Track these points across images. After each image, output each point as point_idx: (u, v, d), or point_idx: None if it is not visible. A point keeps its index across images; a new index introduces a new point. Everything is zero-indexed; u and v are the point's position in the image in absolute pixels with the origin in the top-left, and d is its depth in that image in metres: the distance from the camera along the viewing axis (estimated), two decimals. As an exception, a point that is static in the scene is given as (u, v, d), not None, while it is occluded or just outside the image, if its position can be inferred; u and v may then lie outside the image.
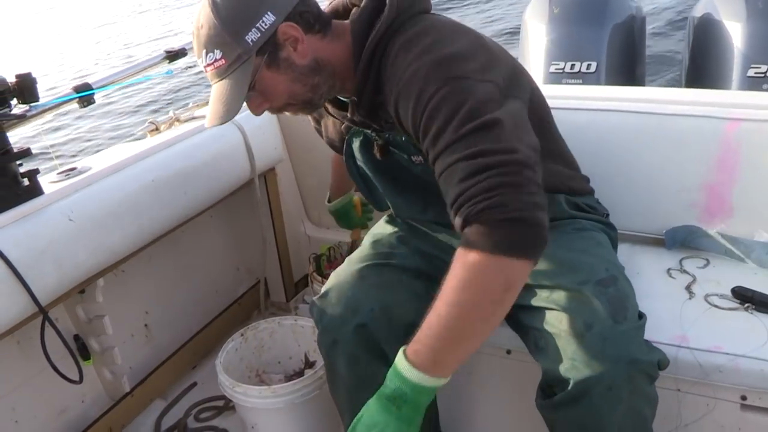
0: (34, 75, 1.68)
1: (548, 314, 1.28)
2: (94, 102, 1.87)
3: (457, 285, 1.07)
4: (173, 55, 2.08)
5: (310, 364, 1.97)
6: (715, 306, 1.53)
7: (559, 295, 1.28)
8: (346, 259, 1.59)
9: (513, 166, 1.06)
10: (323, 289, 1.53)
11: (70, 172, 1.86)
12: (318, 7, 1.33)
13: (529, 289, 1.32)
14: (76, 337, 1.97)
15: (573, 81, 2.94)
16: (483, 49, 1.26)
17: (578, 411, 1.22)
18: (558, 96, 1.87)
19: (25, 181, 1.72)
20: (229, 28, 1.24)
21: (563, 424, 1.28)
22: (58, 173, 1.87)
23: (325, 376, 1.71)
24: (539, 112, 1.42)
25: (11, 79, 1.64)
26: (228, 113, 1.29)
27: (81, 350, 1.97)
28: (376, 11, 1.31)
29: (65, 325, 1.95)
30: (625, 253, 1.77)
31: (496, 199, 1.03)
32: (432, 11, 1.36)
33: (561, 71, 2.97)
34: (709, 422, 1.45)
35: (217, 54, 1.26)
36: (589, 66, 2.94)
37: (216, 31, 1.25)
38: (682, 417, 1.45)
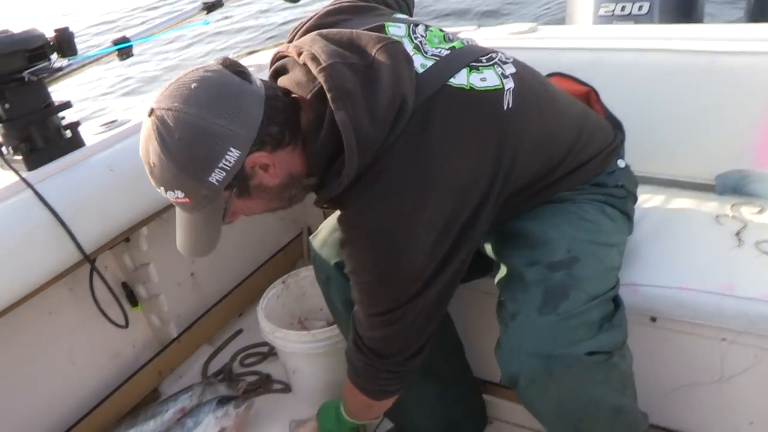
0: (71, 30, 1.69)
1: (493, 297, 1.29)
2: (132, 54, 1.88)
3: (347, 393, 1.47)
4: (210, 6, 2.06)
5: (351, 311, 1.99)
6: (766, 253, 1.46)
7: (505, 275, 1.28)
8: None
9: (394, 365, 1.30)
10: (318, 229, 1.61)
11: (111, 124, 1.89)
12: (285, 114, 1.14)
13: (495, 262, 1.34)
14: (124, 285, 2.03)
15: (624, 24, 2.81)
16: (436, 216, 1.15)
17: (519, 395, 1.24)
18: (600, 36, 1.79)
19: (67, 133, 1.76)
20: (188, 173, 1.08)
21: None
22: (99, 125, 1.90)
23: None
24: (518, 181, 1.26)
25: (50, 34, 1.66)
26: (206, 247, 1.24)
27: (129, 297, 2.03)
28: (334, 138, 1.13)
29: (113, 273, 2.01)
30: (672, 200, 1.71)
31: (367, 375, 1.35)
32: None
33: (611, 14, 2.83)
34: (755, 374, 1.39)
35: (179, 194, 1.11)
36: (641, 7, 2.79)
37: (172, 174, 1.08)
38: (725, 369, 1.40)
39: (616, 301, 1.25)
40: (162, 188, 1.12)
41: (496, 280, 1.30)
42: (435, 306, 1.21)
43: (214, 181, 1.09)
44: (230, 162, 1.08)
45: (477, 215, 1.16)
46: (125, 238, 1.89)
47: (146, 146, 1.11)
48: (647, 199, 1.71)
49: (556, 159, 1.29)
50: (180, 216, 1.22)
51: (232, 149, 1.07)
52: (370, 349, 1.29)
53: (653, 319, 1.44)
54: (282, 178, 1.18)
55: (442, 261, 1.16)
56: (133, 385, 2.00)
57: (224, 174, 1.09)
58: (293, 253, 2.56)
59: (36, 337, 1.83)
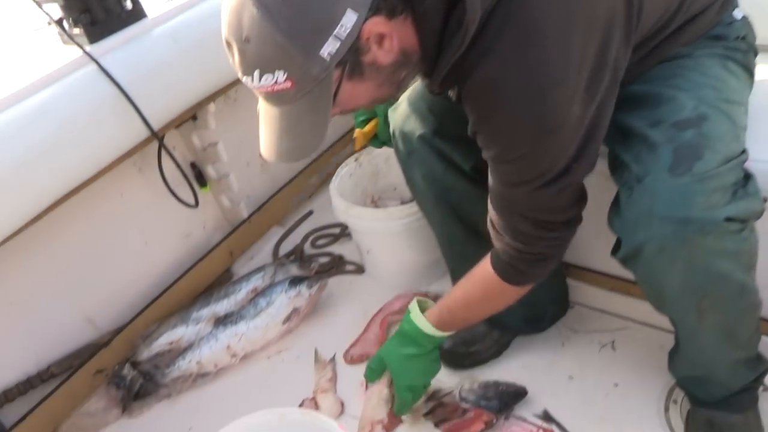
0: None
1: (616, 162, 1.13)
2: None
3: (474, 290, 1.32)
4: None
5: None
6: None
7: (623, 138, 1.11)
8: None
9: (551, 241, 1.16)
10: (398, 101, 1.46)
11: (173, -7, 1.79)
12: None
13: (618, 129, 1.14)
14: (193, 165, 1.99)
15: None
16: (575, 62, 0.98)
17: (636, 269, 1.11)
18: None
19: (128, 4, 1.67)
20: (296, 44, 0.89)
21: (636, 278, 1.16)
22: (161, -5, 1.81)
23: None
24: (642, 27, 1.10)
25: None
26: (309, 146, 1.01)
27: (198, 177, 1.99)
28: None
29: (182, 153, 1.97)
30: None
31: (521, 263, 1.20)
32: None
33: None
34: None
35: (280, 75, 0.91)
36: None
37: (275, 47, 0.89)
38: None
39: (746, 169, 1.09)
40: (256, 72, 0.93)
41: (609, 146, 1.16)
42: (591, 165, 1.08)
43: (326, 55, 0.90)
44: (346, 29, 0.89)
45: (619, 56, 1.02)
46: (192, 115, 1.84)
47: (238, 16, 0.90)
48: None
49: (673, 6, 1.13)
50: (270, 113, 1.00)
51: (349, 11, 0.89)
52: (524, 234, 1.14)
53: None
54: (396, 55, 0.99)
55: (597, 109, 1.02)
56: (205, 265, 1.99)
57: (338, 45, 0.90)
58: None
59: (109, 218, 1.82)
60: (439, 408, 1.56)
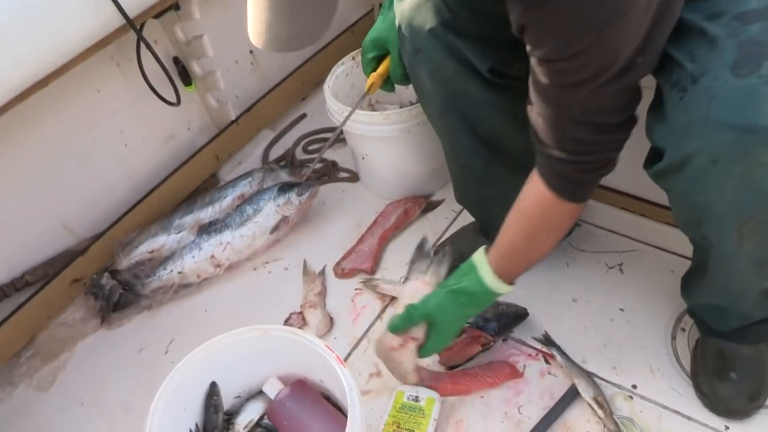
0: None
1: (662, 60, 0.95)
2: None
3: (531, 222, 1.14)
4: None
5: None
6: None
7: (681, 34, 0.93)
8: None
9: (610, 145, 1.02)
10: None
11: None
12: None
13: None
14: (176, 60, 1.83)
15: None
16: None
17: (676, 184, 0.98)
18: None
19: None
20: None
21: (671, 194, 1.04)
22: None
23: None
24: None
25: None
26: (307, 34, 0.80)
27: (182, 74, 1.84)
28: None
29: (164, 47, 1.81)
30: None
31: (581, 174, 1.05)
32: None
33: None
34: None
35: None
36: None
37: None
38: None
39: None
40: None
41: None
42: (654, 61, 0.94)
43: None
44: None
45: None
46: (174, 4, 1.66)
47: None
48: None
49: None
50: None
51: None
52: (583, 142, 1.01)
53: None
54: None
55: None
56: (189, 170, 1.87)
57: None
58: (363, 31, 2.26)
59: (85, 116, 1.68)
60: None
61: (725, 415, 1.24)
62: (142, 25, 1.57)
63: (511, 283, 1.20)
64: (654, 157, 0.99)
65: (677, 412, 1.26)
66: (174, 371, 1.18)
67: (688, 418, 1.25)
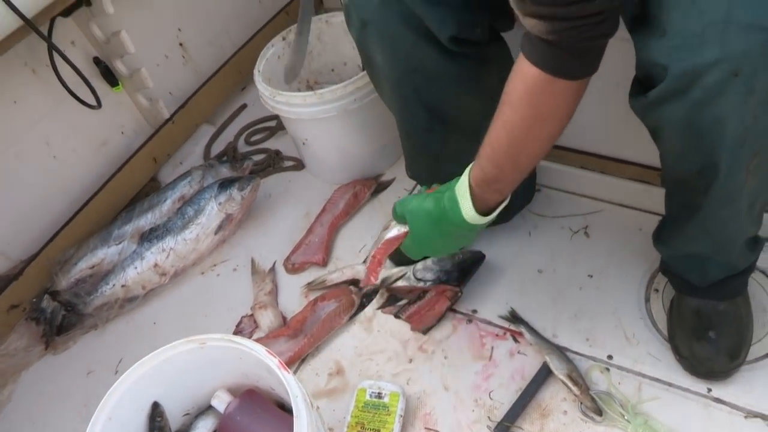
0: None
1: None
2: None
3: (517, 113, 0.91)
4: None
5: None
6: None
7: None
8: None
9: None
10: None
11: None
12: None
13: None
14: (97, 60, 1.71)
15: None
16: None
17: (681, 109, 0.81)
18: None
19: None
20: None
21: (668, 126, 0.88)
22: None
23: None
24: None
25: None
26: None
27: (106, 75, 1.72)
28: None
29: (83, 47, 1.68)
30: None
31: (576, 36, 0.80)
32: None
33: None
34: None
35: None
36: None
37: None
38: None
39: None
40: None
41: None
42: None
43: None
44: None
45: None
46: (84, -1, 1.55)
47: None
48: None
49: None
50: None
51: None
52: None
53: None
54: None
55: None
56: (126, 176, 1.75)
57: None
58: (296, 11, 2.17)
59: (3, 129, 1.56)
60: (393, 297, 1.41)
61: (706, 376, 1.16)
62: (51, 26, 1.46)
63: (494, 208, 1.01)
64: (642, 85, 0.85)
65: (657, 380, 1.18)
66: (106, 397, 1.07)
67: (669, 384, 1.17)
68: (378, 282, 1.39)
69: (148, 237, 1.59)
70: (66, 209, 1.68)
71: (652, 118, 0.88)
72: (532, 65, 0.85)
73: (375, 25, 1.11)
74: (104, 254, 1.61)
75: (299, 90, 1.69)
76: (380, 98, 1.30)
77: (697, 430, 1.11)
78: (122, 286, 1.55)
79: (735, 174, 0.89)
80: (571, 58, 0.83)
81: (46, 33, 1.45)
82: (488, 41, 1.12)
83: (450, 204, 1.01)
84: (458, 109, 1.20)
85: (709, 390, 1.15)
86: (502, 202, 1.01)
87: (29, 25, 1.33)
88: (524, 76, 0.86)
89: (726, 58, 0.74)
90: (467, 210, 0.99)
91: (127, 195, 1.77)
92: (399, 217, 1.10)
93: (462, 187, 1.00)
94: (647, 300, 1.28)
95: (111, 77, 1.73)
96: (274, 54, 1.64)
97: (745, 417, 1.11)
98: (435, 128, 1.24)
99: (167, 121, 1.84)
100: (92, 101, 1.55)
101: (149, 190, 1.80)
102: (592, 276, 1.35)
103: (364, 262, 1.45)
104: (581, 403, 1.16)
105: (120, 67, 1.73)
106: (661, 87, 0.80)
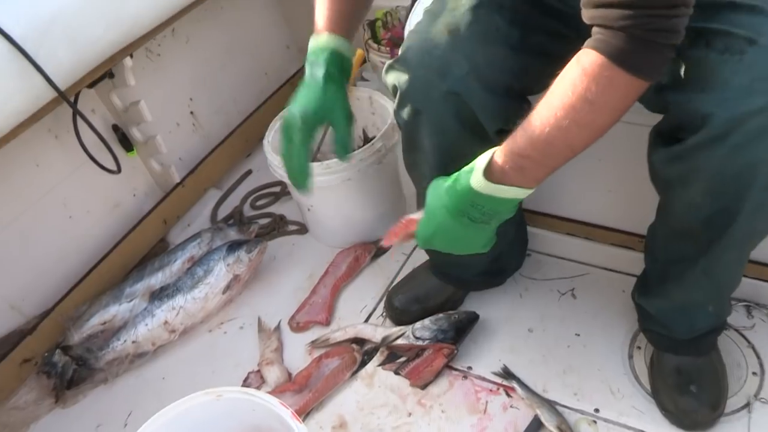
0: None
1: (693, 39, 0.89)
2: None
3: (568, 80, 0.87)
4: None
5: (368, 140, 1.78)
6: None
7: (708, 10, 0.90)
8: (424, 11, 1.18)
9: None
10: (401, 49, 1.18)
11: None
12: None
13: None
14: (116, 128, 1.82)
15: None
16: None
17: (722, 151, 0.90)
18: None
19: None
20: None
21: (698, 174, 0.95)
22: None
23: (383, 148, 1.58)
24: None
25: None
26: None
27: (122, 141, 1.83)
28: None
29: (102, 115, 1.80)
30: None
31: (651, 25, 0.80)
32: None
33: None
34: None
35: None
36: None
37: None
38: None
39: None
40: None
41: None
42: None
43: None
44: None
45: None
46: (108, 72, 1.66)
47: None
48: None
49: None
50: None
51: None
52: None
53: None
54: None
55: None
56: (137, 236, 1.84)
57: None
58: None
59: (25, 191, 1.65)
60: (393, 354, 1.48)
61: (691, 428, 1.25)
62: (77, 96, 1.57)
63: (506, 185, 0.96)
64: (671, 137, 0.96)
65: (641, 431, 1.26)
66: (128, 446, 1.14)
67: (653, 436, 1.26)
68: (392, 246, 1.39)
69: (159, 295, 1.67)
70: (80, 267, 1.76)
71: (682, 166, 0.96)
72: (594, 51, 0.83)
73: (428, 116, 1.16)
74: (116, 311, 1.68)
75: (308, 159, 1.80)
76: (408, 173, 1.35)
77: (680, 479, 1.19)
78: (133, 342, 1.62)
79: (755, 217, 0.99)
80: (637, 51, 0.82)
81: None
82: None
83: (464, 172, 0.99)
84: None
85: (692, 441, 1.23)
86: (517, 187, 0.96)
87: (62, 96, 1.43)
88: (583, 60, 0.85)
89: (764, 108, 0.85)
90: (477, 176, 0.95)
91: (137, 254, 1.85)
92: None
93: (483, 158, 0.96)
94: (630, 357, 1.38)
95: (127, 143, 1.84)
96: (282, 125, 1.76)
97: (725, 466, 1.20)
98: None
99: (177, 185, 1.94)
100: (112, 166, 1.65)
101: (159, 250, 1.88)
102: (579, 335, 1.44)
103: (367, 321, 1.55)
104: (571, 453, 1.25)
105: (136, 133, 1.84)
106: (703, 132, 0.89)
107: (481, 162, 0.96)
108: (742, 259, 1.13)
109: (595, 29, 0.84)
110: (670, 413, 1.26)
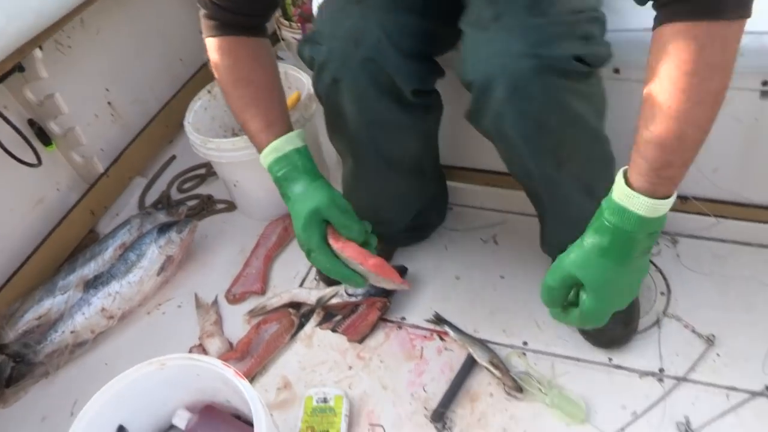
0: None
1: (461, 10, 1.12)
2: None
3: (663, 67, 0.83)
4: None
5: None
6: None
7: None
8: None
9: None
10: (314, 24, 1.26)
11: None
12: None
13: None
14: (31, 122, 1.80)
15: None
16: None
17: (486, 119, 1.10)
18: None
19: None
20: None
21: (491, 136, 1.15)
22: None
23: (301, 119, 1.62)
24: None
25: None
26: None
27: (40, 136, 1.81)
28: None
29: (16, 111, 1.77)
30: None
31: None
32: None
33: None
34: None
35: None
36: None
37: None
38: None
39: (600, 22, 1.10)
40: None
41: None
42: None
43: None
44: None
45: None
46: (17, 66, 1.65)
47: None
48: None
49: None
50: None
51: None
52: None
53: (616, 71, 1.31)
54: None
55: None
56: (65, 230, 1.83)
57: None
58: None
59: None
60: (329, 314, 1.54)
61: (608, 346, 1.36)
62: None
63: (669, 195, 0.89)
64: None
65: (567, 357, 1.36)
66: (76, 422, 1.16)
67: (577, 359, 1.36)
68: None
69: (93, 284, 1.67)
70: (7, 266, 1.73)
71: (480, 128, 1.15)
72: (679, 22, 0.80)
73: (347, 83, 1.20)
74: (50, 304, 1.68)
75: (226, 137, 1.83)
76: (330, 141, 1.41)
77: (602, 392, 1.29)
78: (71, 332, 1.62)
79: (544, 170, 1.17)
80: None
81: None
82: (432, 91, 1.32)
83: (615, 217, 0.91)
84: (404, 152, 1.37)
85: (610, 359, 1.34)
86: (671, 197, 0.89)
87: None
88: (675, 36, 0.81)
89: (507, 74, 1.03)
90: (639, 206, 0.88)
91: (67, 248, 1.84)
92: (561, 286, 1.04)
93: (620, 192, 0.90)
94: (552, 292, 1.47)
95: (45, 137, 1.82)
96: (201, 106, 1.79)
97: (640, 377, 1.30)
98: (381, 169, 1.38)
99: (102, 175, 1.94)
100: (32, 160, 1.64)
101: (88, 242, 1.88)
102: (503, 277, 1.53)
103: (301, 285, 1.60)
104: (504, 384, 1.32)
105: (53, 127, 1.82)
106: (471, 103, 1.11)
107: (630, 199, 0.88)
108: (579, 208, 1.12)
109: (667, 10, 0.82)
110: (589, 335, 1.37)
